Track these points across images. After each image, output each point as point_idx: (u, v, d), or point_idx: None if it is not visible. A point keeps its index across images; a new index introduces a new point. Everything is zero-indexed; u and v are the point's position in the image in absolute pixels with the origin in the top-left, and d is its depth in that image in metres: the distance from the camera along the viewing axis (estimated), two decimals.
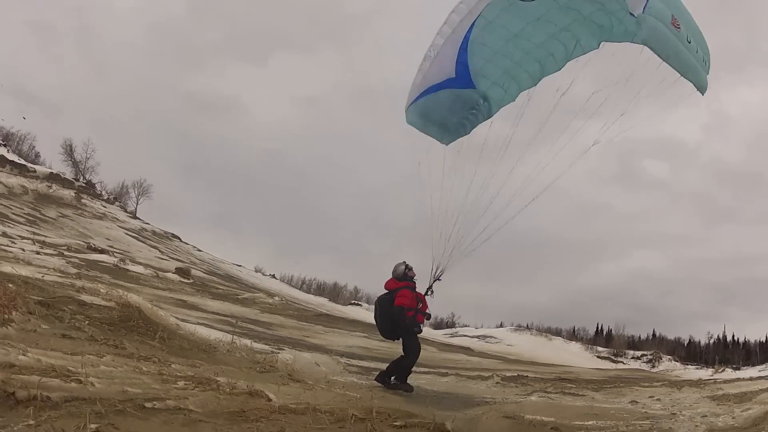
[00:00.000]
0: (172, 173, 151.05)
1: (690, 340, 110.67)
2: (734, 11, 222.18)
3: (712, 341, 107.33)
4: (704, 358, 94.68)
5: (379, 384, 12.01)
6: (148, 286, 30.07)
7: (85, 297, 9.91)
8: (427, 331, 69.34)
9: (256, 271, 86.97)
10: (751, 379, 28.93)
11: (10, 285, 9.47)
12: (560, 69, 11.09)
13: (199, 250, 77.60)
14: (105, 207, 76.62)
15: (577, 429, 9.18)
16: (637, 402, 16.07)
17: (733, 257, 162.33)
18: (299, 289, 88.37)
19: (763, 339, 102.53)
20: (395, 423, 5.74)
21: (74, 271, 26.63)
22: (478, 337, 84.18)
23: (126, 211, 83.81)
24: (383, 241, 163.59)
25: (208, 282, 48.93)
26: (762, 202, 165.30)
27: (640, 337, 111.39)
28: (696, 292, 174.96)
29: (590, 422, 10.78)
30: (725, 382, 28.80)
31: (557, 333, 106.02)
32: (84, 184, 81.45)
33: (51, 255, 33.32)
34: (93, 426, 4.17)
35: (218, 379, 6.40)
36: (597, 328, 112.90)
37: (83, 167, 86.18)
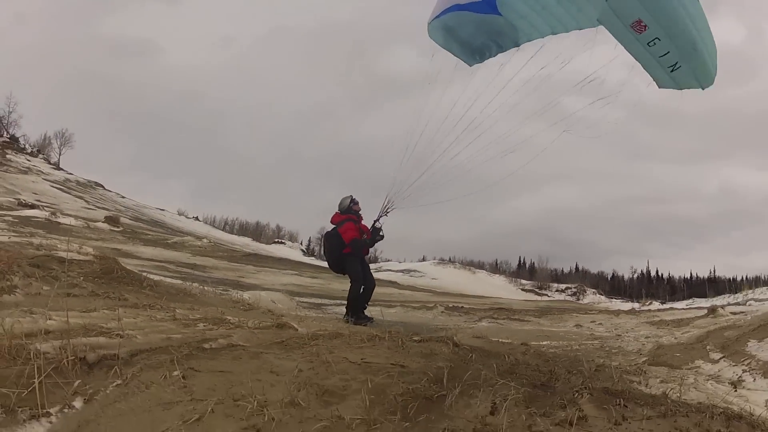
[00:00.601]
0: (92, 120, 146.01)
1: (614, 274, 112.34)
2: None
3: (635, 276, 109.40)
4: (628, 292, 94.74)
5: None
6: (81, 237, 29.19)
7: (62, 254, 10.05)
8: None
9: (179, 214, 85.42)
10: (683, 309, 30.03)
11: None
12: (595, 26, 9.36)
13: (123, 197, 76.18)
14: (29, 161, 74.39)
15: (538, 347, 9.38)
16: (581, 326, 16.94)
17: (655, 195, 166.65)
18: (222, 230, 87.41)
19: (688, 275, 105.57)
20: (414, 338, 5.99)
21: (14, 229, 26.47)
22: (402, 271, 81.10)
23: (50, 162, 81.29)
24: (299, 178, 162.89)
25: (137, 229, 48.58)
26: (682, 140, 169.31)
27: (563, 270, 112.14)
28: (618, 228, 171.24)
29: (545, 342, 11.44)
30: (659, 311, 29.95)
31: (480, 266, 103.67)
32: (8, 140, 78.77)
33: None
34: (176, 373, 4.12)
35: (228, 318, 6.73)
36: (519, 261, 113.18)
37: (6, 122, 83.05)
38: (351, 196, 12.19)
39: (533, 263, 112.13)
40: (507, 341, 9.83)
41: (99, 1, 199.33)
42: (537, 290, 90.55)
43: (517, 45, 10.63)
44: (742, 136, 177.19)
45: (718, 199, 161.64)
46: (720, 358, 10.20)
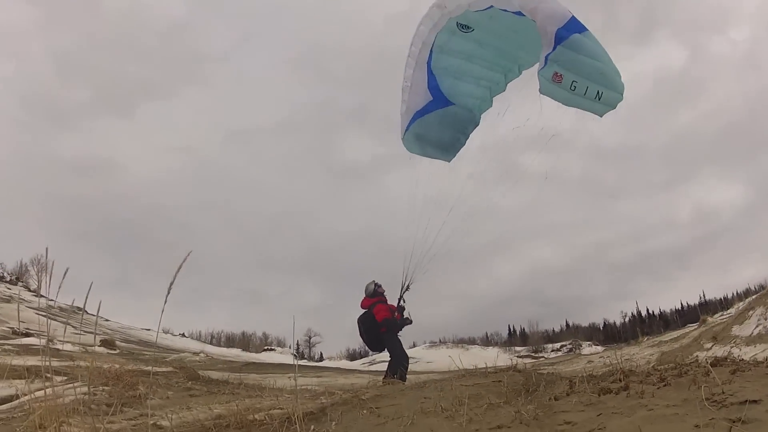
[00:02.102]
0: (65, 242, 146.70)
1: (605, 322, 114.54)
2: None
3: (627, 319, 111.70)
4: (623, 336, 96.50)
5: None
6: (83, 360, 29.95)
7: (150, 367, 11.47)
8: (344, 364, 70.20)
9: (165, 332, 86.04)
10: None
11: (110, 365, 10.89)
12: (519, 76, 12.43)
13: (107, 320, 76.61)
14: (9, 289, 75.19)
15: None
16: (592, 361, 18.21)
17: (629, 233, 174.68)
18: (210, 344, 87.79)
19: (678, 306, 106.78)
20: (489, 371, 8.02)
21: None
22: None
23: (30, 290, 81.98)
24: (277, 280, 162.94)
25: (132, 350, 49.21)
26: (645, 174, 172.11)
27: (554, 330, 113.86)
28: (601, 276, 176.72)
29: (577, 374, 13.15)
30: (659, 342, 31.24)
31: (472, 342, 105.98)
32: None
33: None
34: (365, 411, 6.09)
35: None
36: (510, 329, 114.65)
37: None
38: (374, 281, 13.77)
39: (523, 329, 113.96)
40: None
41: (53, 121, 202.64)
42: (533, 354, 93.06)
43: (477, 124, 13.06)
44: (704, 154, 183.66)
45: (694, 223, 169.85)
46: (712, 346, 12.15)
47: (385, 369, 13.61)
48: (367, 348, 14.64)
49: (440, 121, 12.77)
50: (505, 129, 11.96)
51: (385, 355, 13.87)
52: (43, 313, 65.62)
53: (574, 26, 9.62)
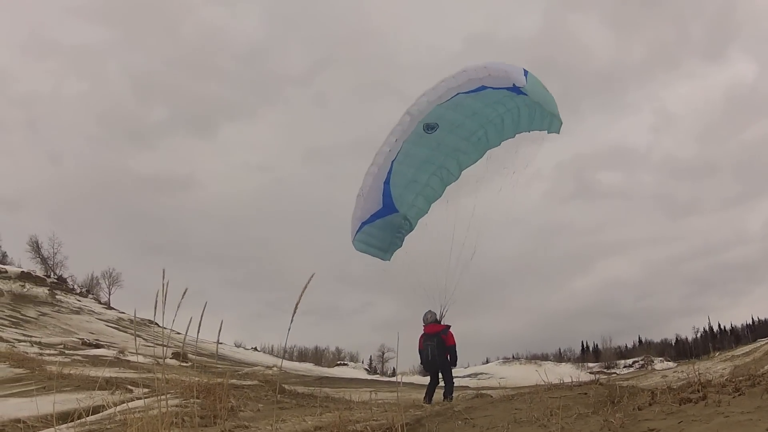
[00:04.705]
0: (138, 256, 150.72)
1: (677, 338, 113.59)
2: (662, 7, 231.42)
3: (699, 335, 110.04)
4: (695, 352, 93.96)
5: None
6: (156, 371, 30.39)
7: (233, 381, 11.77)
8: (416, 379, 70.51)
9: (237, 346, 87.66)
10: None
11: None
12: (457, 179, 14.91)
13: (178, 333, 77.91)
14: (80, 301, 77.71)
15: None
16: (666, 376, 18.33)
17: (702, 248, 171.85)
18: (282, 358, 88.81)
19: (750, 321, 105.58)
20: (573, 385, 8.55)
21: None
22: (469, 375, 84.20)
23: (100, 302, 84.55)
24: (352, 296, 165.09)
25: (204, 363, 49.99)
26: (720, 189, 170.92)
27: (626, 346, 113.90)
28: (673, 290, 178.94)
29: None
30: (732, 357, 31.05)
31: (545, 358, 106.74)
32: (56, 280, 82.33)
33: (54, 355, 34.51)
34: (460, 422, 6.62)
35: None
36: (582, 345, 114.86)
37: (52, 263, 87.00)
38: (430, 310, 15.03)
39: (596, 345, 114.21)
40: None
41: (130, 138, 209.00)
42: (605, 371, 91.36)
43: (412, 230, 15.40)
44: None
45: (767, 237, 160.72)
46: None
47: (426, 390, 15.04)
48: (423, 367, 16.29)
49: (382, 227, 15.22)
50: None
51: (455, 371, 15.25)
52: (113, 325, 67.90)
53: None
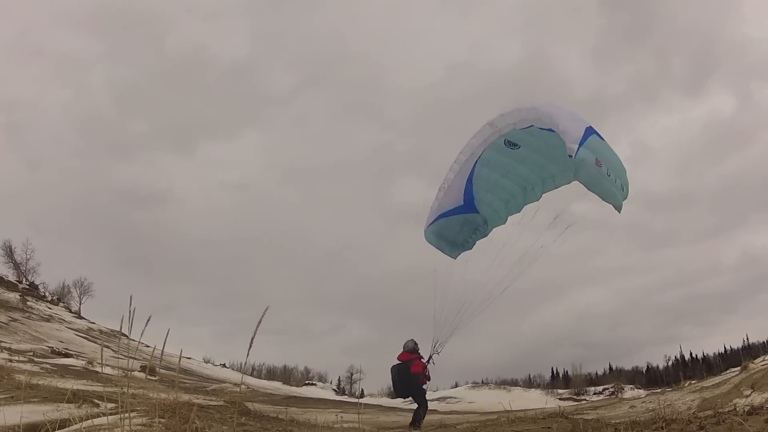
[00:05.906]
0: (111, 267, 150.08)
1: (648, 366, 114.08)
2: (642, 40, 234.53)
3: (670, 363, 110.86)
4: (666, 380, 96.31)
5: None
6: (122, 385, 30.59)
7: (199, 400, 12.21)
8: (386, 401, 71.06)
9: (206, 361, 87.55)
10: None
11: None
12: (538, 199, 14.82)
13: (147, 346, 77.88)
14: (50, 308, 77.36)
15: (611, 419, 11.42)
16: (634, 407, 18.98)
17: (675, 279, 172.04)
18: (251, 375, 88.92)
19: (721, 350, 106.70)
20: (538, 418, 9.11)
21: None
22: (437, 399, 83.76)
23: (71, 311, 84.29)
24: (323, 317, 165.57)
25: (173, 377, 50.11)
26: (695, 221, 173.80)
27: (597, 372, 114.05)
28: (646, 320, 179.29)
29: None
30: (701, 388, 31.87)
31: (514, 383, 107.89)
32: (27, 286, 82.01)
33: (23, 362, 34.69)
34: None
35: None
36: (553, 371, 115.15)
37: (24, 269, 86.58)
38: (413, 339, 16.00)
39: (566, 371, 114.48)
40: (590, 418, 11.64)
41: (109, 150, 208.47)
42: (574, 397, 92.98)
43: (486, 236, 15.75)
44: (754, 201, 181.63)
45: (741, 268, 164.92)
46: (750, 393, 12.81)
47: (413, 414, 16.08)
48: (395, 392, 17.69)
49: (461, 223, 15.53)
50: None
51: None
52: (83, 335, 67.83)
53: (593, 129, 11.85)
